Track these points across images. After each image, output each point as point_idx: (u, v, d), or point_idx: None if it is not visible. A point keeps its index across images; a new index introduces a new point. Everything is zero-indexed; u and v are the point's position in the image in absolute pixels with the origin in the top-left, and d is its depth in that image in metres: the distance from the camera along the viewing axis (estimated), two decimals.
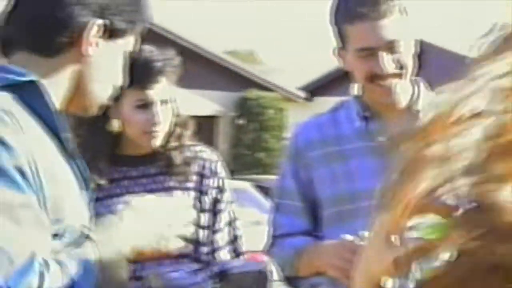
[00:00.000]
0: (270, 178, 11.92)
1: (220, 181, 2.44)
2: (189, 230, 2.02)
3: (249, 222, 8.23)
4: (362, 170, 2.27)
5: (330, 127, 2.36)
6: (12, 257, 1.45)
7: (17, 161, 1.50)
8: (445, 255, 0.43)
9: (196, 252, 2.34)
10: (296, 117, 16.00)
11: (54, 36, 1.64)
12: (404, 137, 0.47)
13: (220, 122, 15.62)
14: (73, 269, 1.58)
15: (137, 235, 1.81)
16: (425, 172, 0.44)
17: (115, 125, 2.33)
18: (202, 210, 2.35)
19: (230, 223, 2.45)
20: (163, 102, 2.31)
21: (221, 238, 2.39)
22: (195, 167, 2.40)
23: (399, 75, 2.20)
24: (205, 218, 2.35)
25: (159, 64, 2.29)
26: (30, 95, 1.61)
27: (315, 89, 18.40)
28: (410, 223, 0.47)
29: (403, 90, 2.24)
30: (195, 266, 2.35)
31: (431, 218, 0.46)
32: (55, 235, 1.59)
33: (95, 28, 1.65)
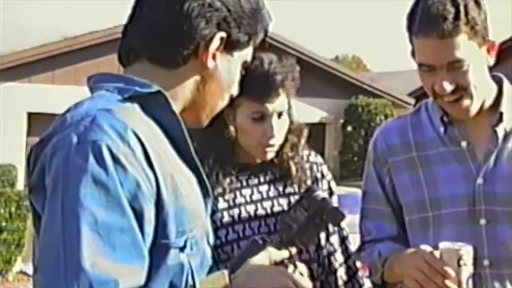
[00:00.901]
0: None
1: (330, 183, 2.45)
2: None
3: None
4: (445, 176, 2.19)
5: (411, 132, 2.29)
6: (93, 282, 1.40)
7: (130, 185, 1.47)
8: None
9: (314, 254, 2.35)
10: None
11: (178, 48, 1.63)
12: None
13: (329, 129, 15.56)
14: None
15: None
16: None
17: (232, 132, 2.29)
18: None
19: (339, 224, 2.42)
20: (280, 114, 2.27)
21: (335, 240, 2.40)
22: (309, 172, 2.40)
23: (462, 92, 2.09)
24: None
25: (279, 77, 2.23)
26: (154, 106, 1.60)
27: (422, 95, 18.13)
28: None
29: (472, 101, 2.12)
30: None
31: None
32: (181, 248, 1.57)
33: (217, 41, 1.64)
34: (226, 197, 2.31)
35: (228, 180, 2.31)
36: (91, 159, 1.45)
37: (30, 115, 12.60)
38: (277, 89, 2.23)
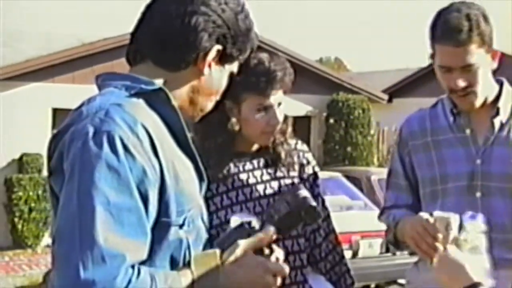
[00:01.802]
0: (357, 169, 11.80)
1: (315, 168, 2.47)
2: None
3: (341, 207, 8.18)
4: (452, 157, 2.36)
5: (428, 121, 2.47)
6: (105, 255, 1.39)
7: (138, 171, 1.47)
8: None
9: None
10: (379, 116, 15.81)
11: (182, 55, 1.64)
12: None
13: (314, 121, 15.56)
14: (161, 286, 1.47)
15: None
16: None
17: (234, 124, 2.30)
18: None
19: (323, 203, 2.47)
20: (279, 104, 2.30)
21: None
22: (296, 158, 2.41)
23: (471, 89, 2.26)
24: None
25: (280, 73, 2.26)
26: (157, 101, 1.61)
27: (394, 92, 18.12)
28: None
29: (477, 96, 2.29)
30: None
31: None
32: (180, 226, 1.58)
33: (214, 52, 1.66)
34: (226, 181, 2.31)
35: (227, 166, 2.31)
36: (106, 147, 1.45)
37: (55, 111, 12.56)
38: (278, 84, 2.26)
